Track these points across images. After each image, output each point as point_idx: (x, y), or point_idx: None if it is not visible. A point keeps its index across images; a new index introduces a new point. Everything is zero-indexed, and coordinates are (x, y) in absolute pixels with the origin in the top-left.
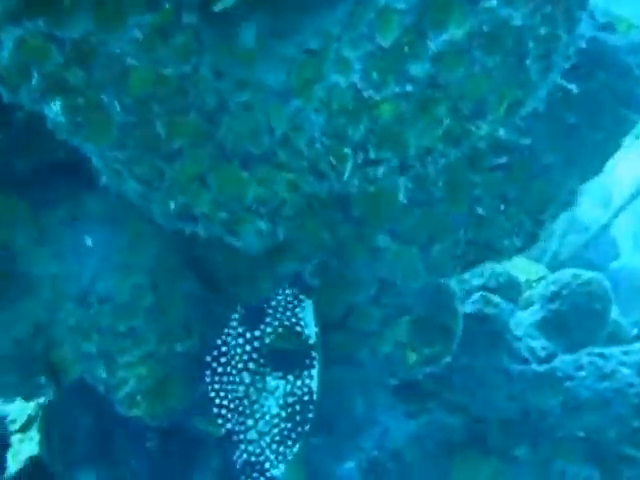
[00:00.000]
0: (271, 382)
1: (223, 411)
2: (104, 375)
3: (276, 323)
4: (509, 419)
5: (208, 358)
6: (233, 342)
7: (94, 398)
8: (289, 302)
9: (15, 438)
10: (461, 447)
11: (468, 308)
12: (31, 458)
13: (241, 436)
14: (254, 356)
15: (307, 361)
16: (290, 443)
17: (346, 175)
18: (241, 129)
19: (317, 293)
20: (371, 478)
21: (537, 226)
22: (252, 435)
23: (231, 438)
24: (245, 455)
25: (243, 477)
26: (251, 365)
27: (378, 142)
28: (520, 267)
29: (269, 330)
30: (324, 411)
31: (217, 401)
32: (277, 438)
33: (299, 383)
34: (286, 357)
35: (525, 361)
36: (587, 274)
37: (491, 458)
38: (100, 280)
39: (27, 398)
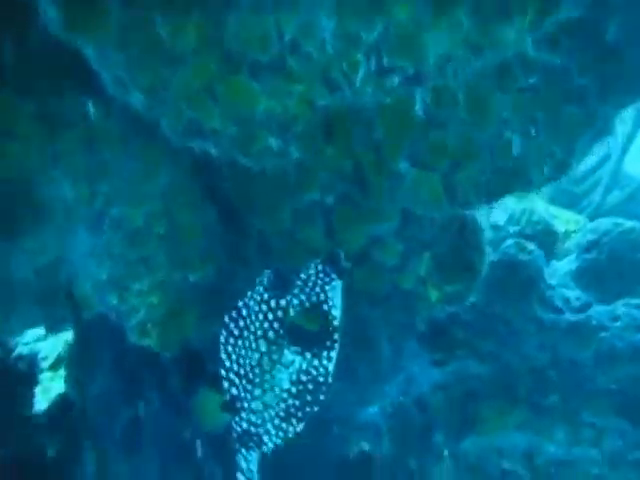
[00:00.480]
0: (288, 356)
1: (231, 375)
2: (115, 302)
3: (303, 297)
4: (540, 369)
5: (226, 318)
6: (256, 307)
7: (117, 334)
8: (320, 278)
9: (46, 376)
10: (489, 396)
11: (501, 255)
12: (60, 395)
13: (245, 404)
14: (275, 326)
15: (328, 342)
16: (294, 422)
17: (358, 82)
18: (249, 34)
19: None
20: (395, 423)
21: (568, 154)
22: (257, 405)
23: (234, 404)
24: (245, 424)
25: (238, 445)
26: (270, 334)
27: (392, 47)
28: (560, 217)
29: (295, 302)
30: (349, 354)
31: (227, 364)
32: (282, 414)
33: (316, 363)
34: (308, 334)
35: (558, 310)
36: (628, 223)
37: (520, 407)
38: (113, 206)
39: (50, 330)
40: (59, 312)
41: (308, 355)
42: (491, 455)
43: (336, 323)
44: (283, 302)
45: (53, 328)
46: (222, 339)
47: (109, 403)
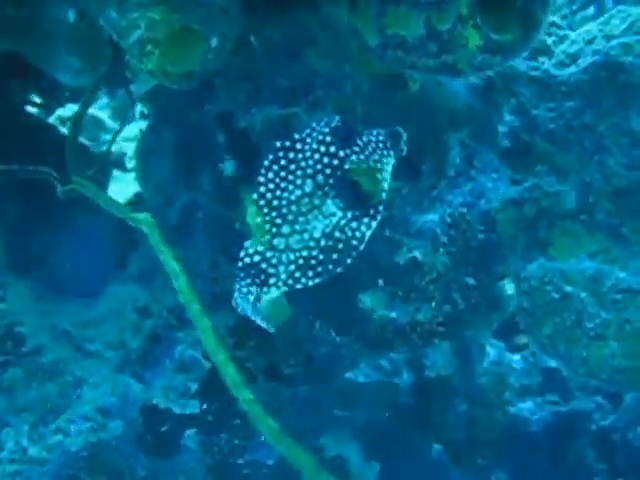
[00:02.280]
0: (330, 206)
1: (263, 202)
2: (114, 15)
3: (362, 157)
4: (624, 191)
5: (278, 144)
6: (314, 145)
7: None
8: (380, 148)
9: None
10: (565, 217)
11: (600, 55)
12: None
13: (267, 237)
14: (328, 171)
15: (372, 211)
16: (309, 275)
17: None
18: None
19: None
20: (455, 235)
21: None
22: (279, 243)
23: (254, 232)
24: (257, 257)
25: (241, 274)
26: (319, 177)
27: None
28: None
29: (354, 158)
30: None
31: (263, 190)
32: (301, 262)
33: (355, 225)
34: (357, 194)
35: None
36: None
37: (597, 234)
38: None
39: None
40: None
41: (350, 214)
42: (554, 278)
43: (384, 196)
44: (342, 152)
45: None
46: (266, 163)
47: (166, 189)
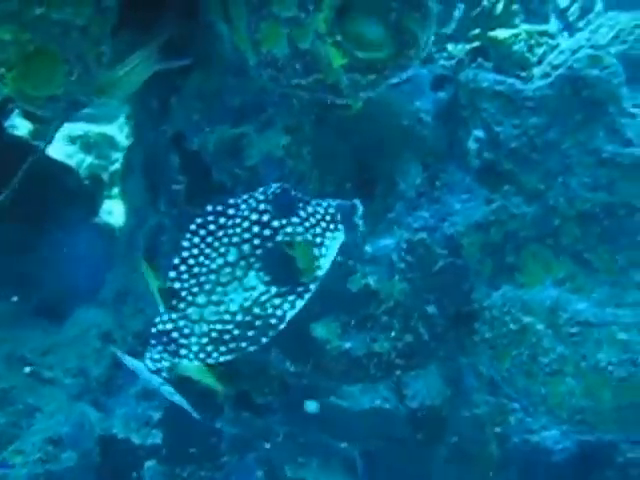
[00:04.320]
0: (252, 279)
1: (183, 267)
2: None
3: (300, 229)
4: (589, 214)
5: (209, 207)
6: (246, 212)
7: None
8: (327, 221)
9: None
10: (531, 242)
11: (565, 69)
12: None
13: (182, 304)
14: (256, 242)
15: (301, 288)
16: (222, 349)
17: None
18: None
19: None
20: (413, 262)
21: None
22: (193, 313)
23: (169, 298)
24: (170, 325)
25: (153, 341)
26: (245, 247)
27: None
28: None
29: (289, 230)
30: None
31: (186, 254)
32: (214, 335)
33: (277, 302)
34: (287, 269)
35: (628, 143)
36: None
37: (563, 259)
38: None
39: None
40: None
41: (274, 290)
42: (513, 308)
43: (318, 273)
44: (277, 223)
45: None
46: (193, 227)
47: (139, 211)
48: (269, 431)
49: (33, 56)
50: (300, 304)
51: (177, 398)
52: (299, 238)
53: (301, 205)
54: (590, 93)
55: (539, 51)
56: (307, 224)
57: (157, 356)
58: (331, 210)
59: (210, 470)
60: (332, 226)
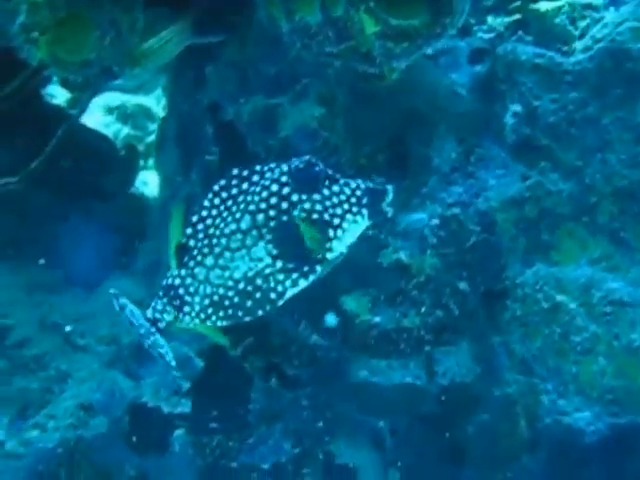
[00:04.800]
0: (260, 250)
1: (200, 226)
2: None
3: (319, 207)
4: (627, 192)
5: (235, 171)
6: (266, 182)
7: None
8: (349, 203)
9: None
10: (567, 219)
11: (607, 42)
12: None
13: (192, 262)
14: (271, 213)
15: (307, 269)
16: (220, 314)
17: None
18: None
19: None
20: (441, 236)
21: None
22: (199, 273)
23: (183, 254)
24: (178, 280)
25: (160, 293)
26: (260, 217)
27: None
28: None
29: (307, 206)
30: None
31: (204, 213)
32: (215, 298)
33: (280, 278)
34: (294, 245)
35: None
36: None
37: (600, 238)
38: None
39: None
40: None
41: (278, 265)
42: (546, 286)
43: (329, 256)
44: (295, 197)
45: None
46: (216, 187)
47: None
48: (297, 403)
49: (66, 20)
50: (303, 284)
51: (164, 350)
52: (315, 216)
53: (327, 183)
54: (632, 67)
55: (582, 24)
56: (328, 203)
57: (160, 307)
58: (358, 192)
59: (237, 441)
60: (355, 209)
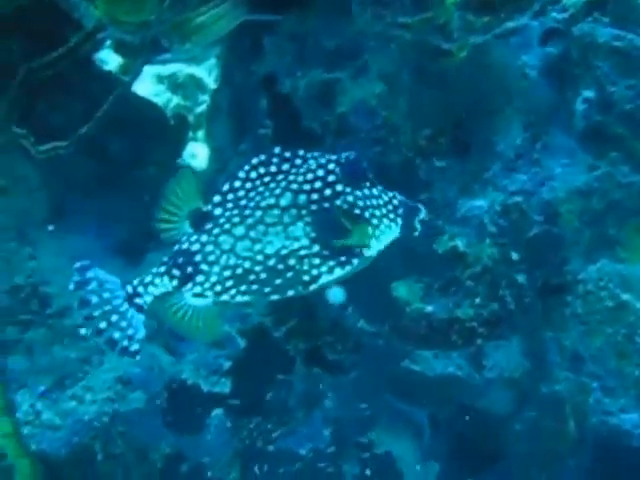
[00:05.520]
0: (298, 229)
1: (230, 196)
2: None
3: (361, 203)
4: None
5: (277, 149)
6: (313, 166)
7: None
8: (388, 210)
9: None
10: (637, 214)
11: None
12: None
13: (217, 229)
14: (314, 197)
15: (343, 259)
16: (241, 288)
17: None
18: None
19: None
20: (501, 225)
21: None
22: (225, 241)
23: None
24: (197, 246)
25: (165, 258)
26: (302, 197)
27: None
28: None
29: (350, 199)
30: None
31: (237, 184)
32: (239, 271)
33: (317, 262)
34: (335, 233)
35: None
36: None
37: None
38: None
39: None
40: None
41: (315, 249)
42: (610, 283)
43: (366, 253)
44: (340, 187)
45: None
46: (255, 161)
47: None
48: (339, 390)
49: None
50: (339, 273)
51: (132, 332)
52: (357, 210)
53: (368, 184)
54: None
55: None
56: (369, 202)
57: (150, 279)
58: (395, 202)
59: (276, 424)
60: (392, 216)
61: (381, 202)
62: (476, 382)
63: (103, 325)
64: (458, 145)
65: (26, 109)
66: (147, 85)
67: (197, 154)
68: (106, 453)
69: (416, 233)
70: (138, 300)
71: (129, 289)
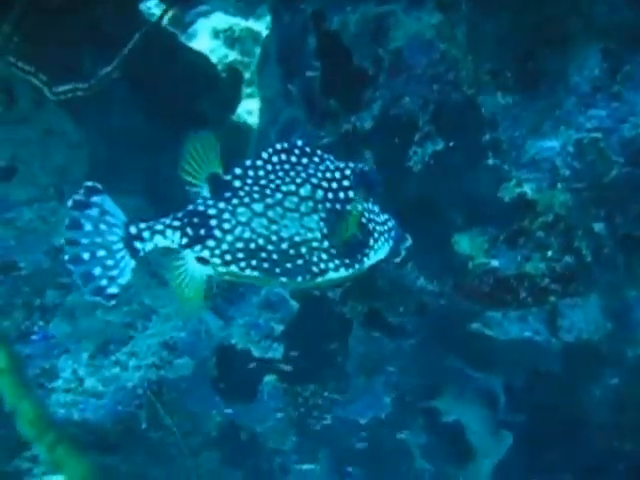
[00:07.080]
0: (314, 220)
1: (251, 172)
2: None
3: (367, 215)
4: None
5: (300, 142)
6: (331, 166)
7: None
8: (384, 229)
9: None
10: None
11: None
12: None
13: (235, 200)
14: (329, 196)
15: (347, 262)
16: (252, 263)
17: None
18: None
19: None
20: (575, 167)
21: None
22: (243, 214)
23: (224, 189)
24: (213, 210)
25: (178, 215)
26: (319, 193)
27: None
28: None
29: (359, 209)
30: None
31: (259, 163)
32: (251, 245)
33: (325, 257)
34: (343, 235)
35: None
36: None
37: None
38: None
39: None
40: None
41: (326, 245)
42: None
43: (365, 261)
44: (352, 194)
45: None
46: (278, 146)
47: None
48: (401, 354)
49: None
50: (343, 273)
51: (116, 272)
52: (363, 220)
53: (372, 199)
54: None
55: None
56: (373, 216)
57: (161, 227)
58: (390, 224)
59: (334, 392)
60: (387, 236)
61: (380, 220)
62: (551, 345)
63: (86, 256)
64: (525, 79)
65: (36, 43)
66: (203, 39)
67: (253, 110)
68: (153, 422)
69: (398, 260)
70: (137, 244)
71: (133, 230)
